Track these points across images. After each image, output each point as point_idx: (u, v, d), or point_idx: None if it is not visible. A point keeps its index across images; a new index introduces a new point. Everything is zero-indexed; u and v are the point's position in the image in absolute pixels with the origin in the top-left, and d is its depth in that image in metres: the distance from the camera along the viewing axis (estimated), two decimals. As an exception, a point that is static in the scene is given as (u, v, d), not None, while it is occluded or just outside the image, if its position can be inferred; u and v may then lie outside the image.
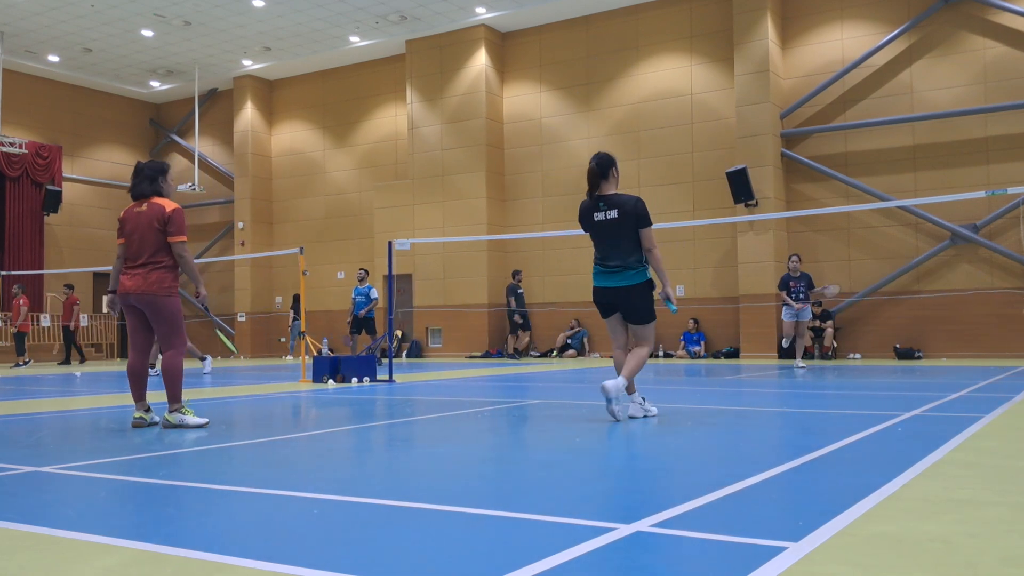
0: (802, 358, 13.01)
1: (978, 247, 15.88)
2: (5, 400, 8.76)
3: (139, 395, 5.92)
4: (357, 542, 2.58)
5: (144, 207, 5.86)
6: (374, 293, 15.59)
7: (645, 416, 5.88)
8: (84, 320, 22.82)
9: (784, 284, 12.78)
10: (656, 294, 5.90)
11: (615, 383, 5.60)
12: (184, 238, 5.85)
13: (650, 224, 5.78)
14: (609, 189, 5.87)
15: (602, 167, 5.83)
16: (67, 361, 19.99)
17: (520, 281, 19.34)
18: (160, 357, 6.12)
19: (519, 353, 19.15)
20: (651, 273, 5.88)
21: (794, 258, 12.93)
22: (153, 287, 5.72)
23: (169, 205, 5.84)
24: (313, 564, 2.31)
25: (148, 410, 5.93)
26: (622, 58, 19.39)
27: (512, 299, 19.06)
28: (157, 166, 6.02)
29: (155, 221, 5.78)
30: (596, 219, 5.85)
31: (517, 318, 19.05)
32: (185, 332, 6.01)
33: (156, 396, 7.05)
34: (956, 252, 16.10)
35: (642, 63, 19.16)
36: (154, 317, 5.79)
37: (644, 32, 19.14)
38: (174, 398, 5.80)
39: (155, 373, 11.39)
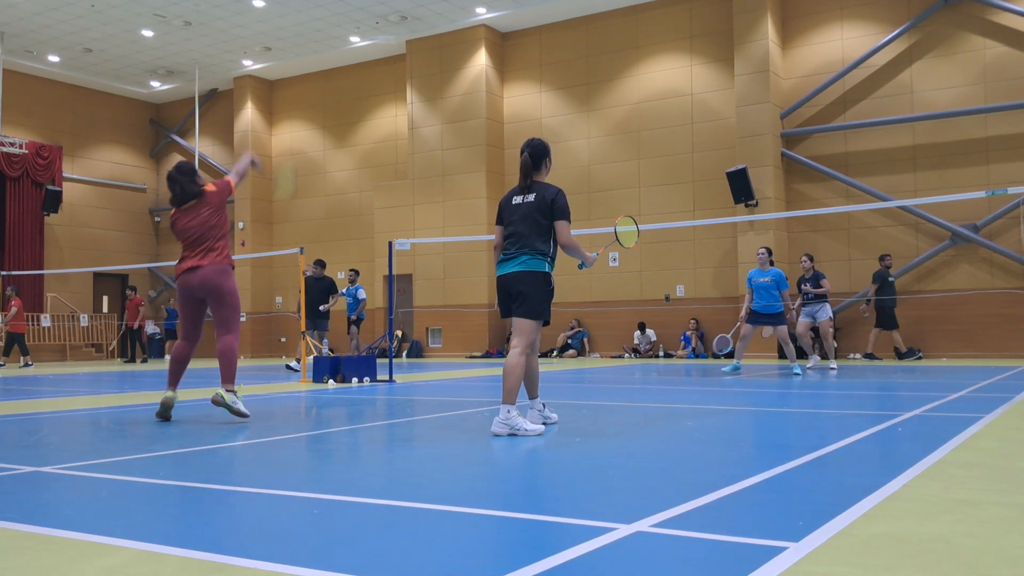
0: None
1: (978, 247, 15.87)
2: (5, 400, 8.76)
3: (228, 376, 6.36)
4: (357, 542, 2.58)
5: (194, 202, 6.25)
6: (362, 294, 15.44)
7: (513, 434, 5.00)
8: (84, 320, 22.82)
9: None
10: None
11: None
12: (213, 188, 6.31)
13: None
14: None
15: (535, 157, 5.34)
16: (132, 359, 20.64)
17: (890, 267, 15.82)
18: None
19: (899, 354, 15.62)
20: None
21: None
22: (218, 264, 6.15)
23: (209, 186, 6.33)
24: (313, 564, 2.31)
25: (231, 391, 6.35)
26: (622, 58, 19.39)
27: (878, 287, 15.56)
28: (188, 167, 6.39)
29: (206, 207, 6.23)
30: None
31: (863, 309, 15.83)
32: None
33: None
34: (956, 252, 16.09)
35: (642, 63, 19.15)
36: (215, 297, 6.20)
37: (644, 32, 19.14)
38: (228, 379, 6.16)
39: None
